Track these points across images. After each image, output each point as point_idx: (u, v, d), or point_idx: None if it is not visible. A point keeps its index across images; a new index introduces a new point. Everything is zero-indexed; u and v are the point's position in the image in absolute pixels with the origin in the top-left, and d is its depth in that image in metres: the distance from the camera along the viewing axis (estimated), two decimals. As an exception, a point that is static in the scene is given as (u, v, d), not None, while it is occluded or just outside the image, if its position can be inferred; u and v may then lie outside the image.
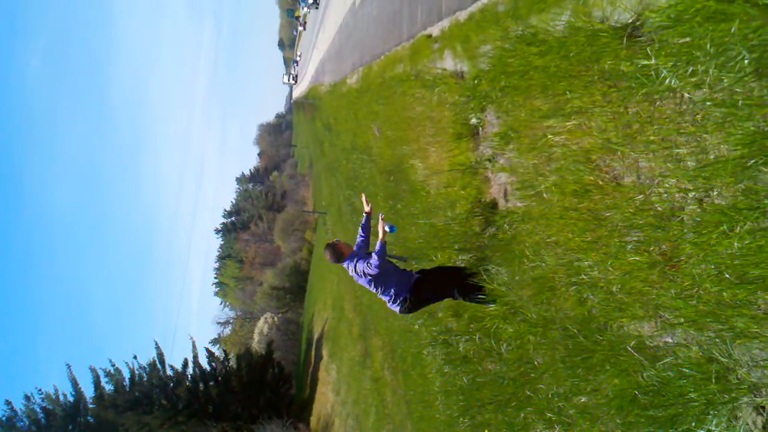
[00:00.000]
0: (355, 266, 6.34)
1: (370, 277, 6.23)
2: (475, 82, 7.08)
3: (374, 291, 6.41)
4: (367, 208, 6.78)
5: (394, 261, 6.72)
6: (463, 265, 6.83)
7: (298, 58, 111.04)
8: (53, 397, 28.56)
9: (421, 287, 6.30)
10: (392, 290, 6.28)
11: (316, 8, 73.54)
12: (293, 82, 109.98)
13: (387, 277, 6.29)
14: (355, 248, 6.60)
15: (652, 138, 3.80)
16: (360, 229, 6.80)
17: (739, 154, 3.01)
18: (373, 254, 6.10)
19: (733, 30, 2.89)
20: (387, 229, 6.26)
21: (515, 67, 5.67)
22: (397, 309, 6.40)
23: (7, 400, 28.25)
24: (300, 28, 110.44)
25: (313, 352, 28.69)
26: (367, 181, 16.26)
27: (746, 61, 2.87)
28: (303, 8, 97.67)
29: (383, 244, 6.14)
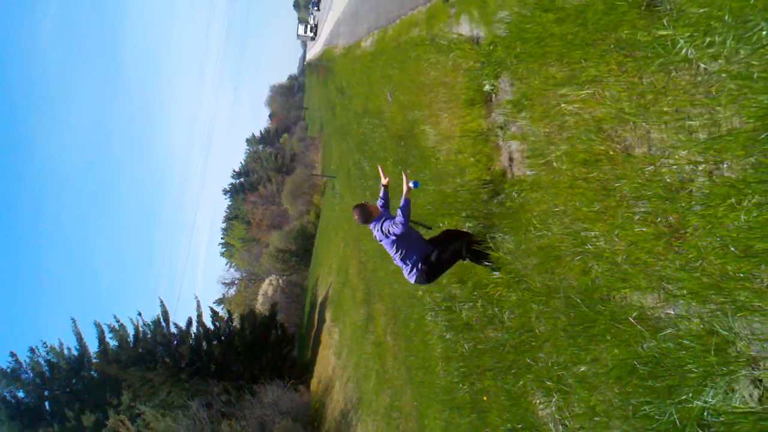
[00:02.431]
0: (381, 226, 6.36)
1: (394, 237, 6.25)
2: (491, 48, 7.03)
3: (395, 255, 6.41)
4: (384, 181, 6.74)
5: (419, 228, 6.75)
6: (469, 231, 6.85)
7: (316, 2, 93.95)
8: (58, 350, 28.86)
9: (435, 257, 6.33)
10: (414, 257, 6.30)
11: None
12: (311, 34, 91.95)
13: (411, 242, 6.32)
14: (382, 212, 6.61)
15: (665, 109, 3.77)
16: (380, 199, 6.77)
17: (752, 127, 2.99)
18: (398, 210, 6.12)
19: (752, 0, 2.85)
20: (411, 185, 6.27)
21: (531, 34, 5.62)
22: (412, 279, 6.42)
23: (11, 352, 28.56)
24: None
25: (316, 316, 28.84)
26: (378, 146, 16.23)
27: (764, 33, 2.84)
28: None
29: (407, 200, 6.15)
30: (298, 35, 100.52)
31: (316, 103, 74.47)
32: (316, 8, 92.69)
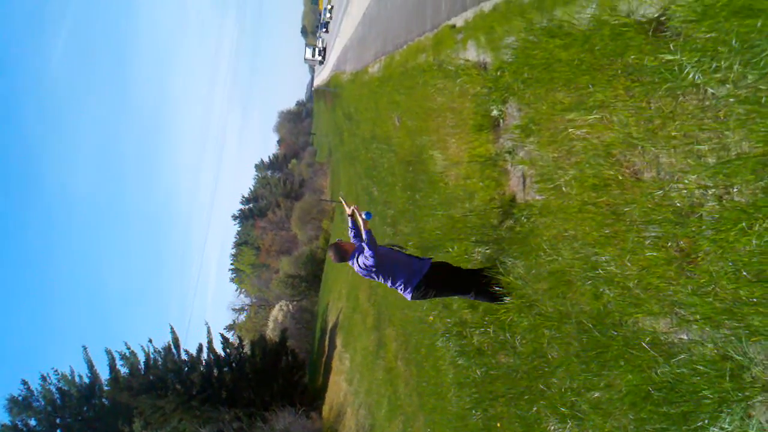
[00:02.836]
0: (357, 261, 6.36)
1: (373, 268, 6.24)
2: (498, 73, 7.06)
3: (385, 282, 6.40)
4: (348, 211, 6.69)
5: (396, 249, 6.73)
6: (477, 267, 6.78)
7: (328, 17, 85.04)
8: (69, 378, 28.89)
9: (431, 279, 6.28)
10: (401, 279, 6.26)
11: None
12: (319, 58, 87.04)
13: (391, 266, 6.29)
14: (357, 246, 6.58)
15: (673, 134, 3.78)
16: (350, 230, 6.77)
17: (761, 151, 2.99)
18: (363, 245, 6.13)
19: (758, 26, 2.87)
20: (363, 216, 6.28)
21: (538, 60, 5.65)
22: (408, 297, 6.39)
23: (23, 380, 28.61)
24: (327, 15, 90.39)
25: (326, 341, 28.78)
26: (386, 171, 16.27)
27: (772, 58, 2.85)
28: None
29: (368, 231, 6.13)
30: (305, 59, 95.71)
31: (324, 129, 74.86)
32: (324, 30, 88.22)
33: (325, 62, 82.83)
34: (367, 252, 6.09)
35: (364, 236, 6.12)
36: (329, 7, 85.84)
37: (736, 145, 3.27)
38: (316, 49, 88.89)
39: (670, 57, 3.59)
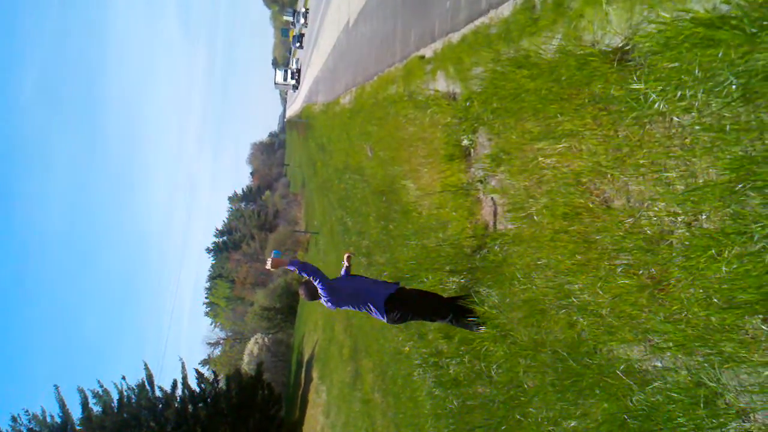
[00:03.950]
0: (322, 295, 6.38)
1: (332, 298, 6.32)
2: (467, 103, 7.11)
3: (357, 309, 6.40)
4: (270, 266, 6.48)
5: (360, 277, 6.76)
6: (449, 295, 6.79)
7: (302, 24, 72.22)
8: (40, 418, 28.23)
9: (403, 300, 6.28)
10: (369, 301, 6.26)
11: (300, 48, 65.96)
12: (292, 82, 75.46)
13: (356, 291, 6.31)
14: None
15: (641, 161, 3.81)
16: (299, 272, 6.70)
17: (728, 178, 3.02)
18: (303, 273, 6.23)
19: (720, 55, 2.91)
20: (273, 254, 6.46)
21: (507, 90, 5.70)
22: (383, 318, 6.35)
23: (-7, 421, 27.96)
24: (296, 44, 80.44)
25: (303, 374, 28.54)
26: (360, 202, 16.27)
27: (734, 87, 2.88)
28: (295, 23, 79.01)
29: (293, 263, 6.27)
30: (276, 84, 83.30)
31: (297, 160, 74.79)
32: (298, 44, 76.05)
33: (299, 87, 72.13)
34: (314, 283, 6.23)
35: (293, 265, 6.25)
36: (303, 11, 72.65)
37: (703, 172, 3.31)
38: (289, 72, 78.02)
39: (635, 86, 3.63)
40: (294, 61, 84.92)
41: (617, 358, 4.03)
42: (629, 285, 3.83)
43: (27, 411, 28.21)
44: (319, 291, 6.25)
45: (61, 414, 28.13)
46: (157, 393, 26.54)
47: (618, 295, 3.94)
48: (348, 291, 6.33)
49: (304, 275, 6.19)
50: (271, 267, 6.47)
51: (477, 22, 7.28)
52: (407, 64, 11.46)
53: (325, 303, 6.43)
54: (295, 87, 76.83)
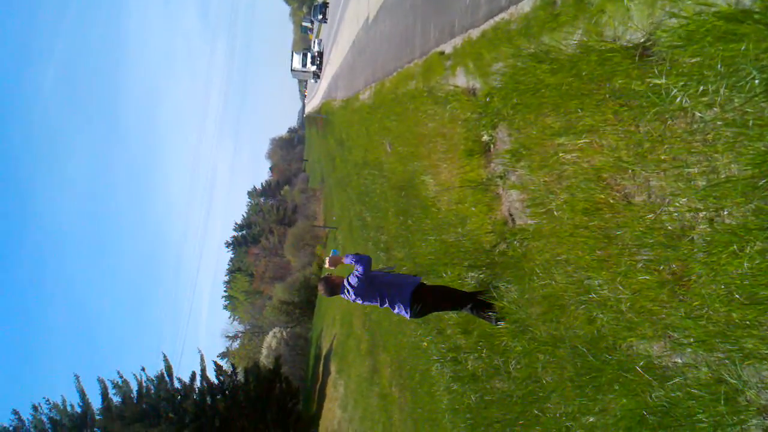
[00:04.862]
0: (348, 288, 6.37)
1: (365, 290, 6.30)
2: (487, 99, 7.10)
3: (381, 305, 6.40)
4: (329, 264, 6.69)
5: (386, 271, 6.76)
6: (469, 290, 6.79)
7: (322, 6, 60.38)
8: (61, 407, 28.53)
9: (425, 293, 6.29)
10: (396, 296, 6.26)
11: (325, 22, 57.33)
12: (313, 68, 63.91)
13: (385, 286, 6.31)
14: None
15: (662, 157, 3.80)
16: (347, 257, 6.70)
17: (750, 174, 3.00)
18: (354, 263, 6.27)
19: (743, 50, 2.89)
20: (332, 253, 6.67)
21: (527, 85, 5.68)
22: (406, 314, 6.36)
23: (14, 410, 28.23)
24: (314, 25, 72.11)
25: (320, 368, 28.63)
26: (378, 197, 16.28)
27: (756, 82, 2.87)
28: (312, 23, 72.99)
29: (347, 257, 6.38)
30: (293, 71, 70.22)
31: (316, 155, 74.87)
32: (321, 17, 61.71)
33: (321, 75, 61.60)
34: (358, 269, 6.18)
35: (350, 258, 6.29)
36: (321, 3, 61.74)
37: (725, 168, 3.29)
38: (309, 56, 65.47)
39: (657, 81, 3.61)
40: (316, 42, 70.15)
41: (637, 354, 4.02)
42: (650, 281, 3.82)
43: (48, 400, 28.53)
44: (353, 281, 6.23)
45: (81, 403, 28.44)
46: (176, 384, 26.77)
47: (638, 291, 3.93)
48: (379, 285, 6.31)
49: (357, 266, 6.18)
50: (330, 265, 6.55)
51: (497, 18, 7.25)
52: (427, 60, 11.44)
53: (348, 294, 6.41)
54: (317, 76, 66.34)
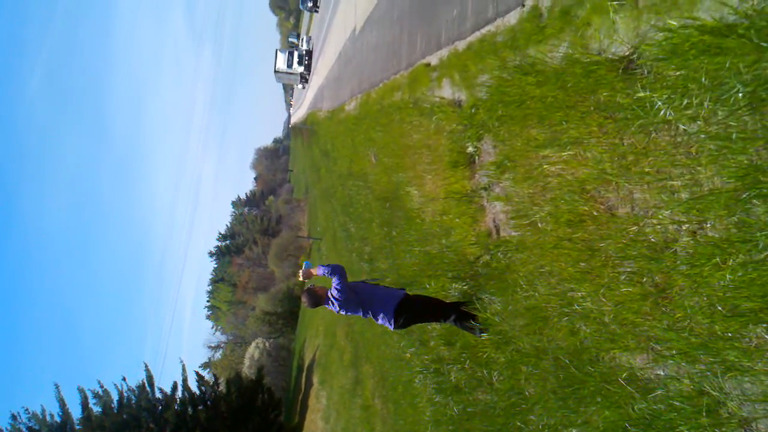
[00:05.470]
0: (332, 300, 6.33)
1: (347, 300, 6.27)
2: (473, 110, 7.12)
3: (364, 315, 6.39)
4: (302, 277, 6.60)
5: (372, 282, 6.74)
6: (452, 301, 6.79)
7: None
8: (40, 417, 28.20)
9: (408, 306, 6.28)
10: (381, 309, 6.25)
11: (316, 11, 53.34)
12: (300, 69, 57.98)
13: (369, 298, 6.29)
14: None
15: (646, 169, 3.81)
16: (319, 268, 6.63)
17: (733, 187, 3.02)
18: (330, 275, 6.20)
19: (727, 64, 2.91)
20: (304, 265, 6.57)
21: (512, 97, 5.70)
22: (390, 325, 6.36)
23: (-8, 419, 27.95)
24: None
25: (303, 379, 28.53)
26: (363, 208, 16.28)
27: (740, 95, 2.88)
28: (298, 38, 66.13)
29: (319, 268, 6.29)
30: (277, 72, 63.01)
31: (302, 166, 74.84)
32: (311, 4, 55.81)
33: (309, 80, 56.10)
34: (334, 280, 6.14)
35: (322, 270, 6.23)
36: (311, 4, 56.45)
37: (708, 181, 3.30)
38: (295, 54, 59.18)
39: (641, 94, 3.63)
40: (305, 40, 63.98)
41: (619, 366, 4.02)
42: (633, 293, 3.83)
43: (27, 409, 28.19)
44: (334, 293, 6.20)
45: (61, 413, 28.12)
46: (157, 394, 26.56)
47: (621, 303, 3.93)
48: (363, 296, 6.30)
49: (333, 277, 6.13)
50: (303, 278, 6.49)
51: (483, 30, 7.28)
52: (413, 72, 11.47)
53: (332, 306, 6.39)
54: (304, 79, 59.94)
